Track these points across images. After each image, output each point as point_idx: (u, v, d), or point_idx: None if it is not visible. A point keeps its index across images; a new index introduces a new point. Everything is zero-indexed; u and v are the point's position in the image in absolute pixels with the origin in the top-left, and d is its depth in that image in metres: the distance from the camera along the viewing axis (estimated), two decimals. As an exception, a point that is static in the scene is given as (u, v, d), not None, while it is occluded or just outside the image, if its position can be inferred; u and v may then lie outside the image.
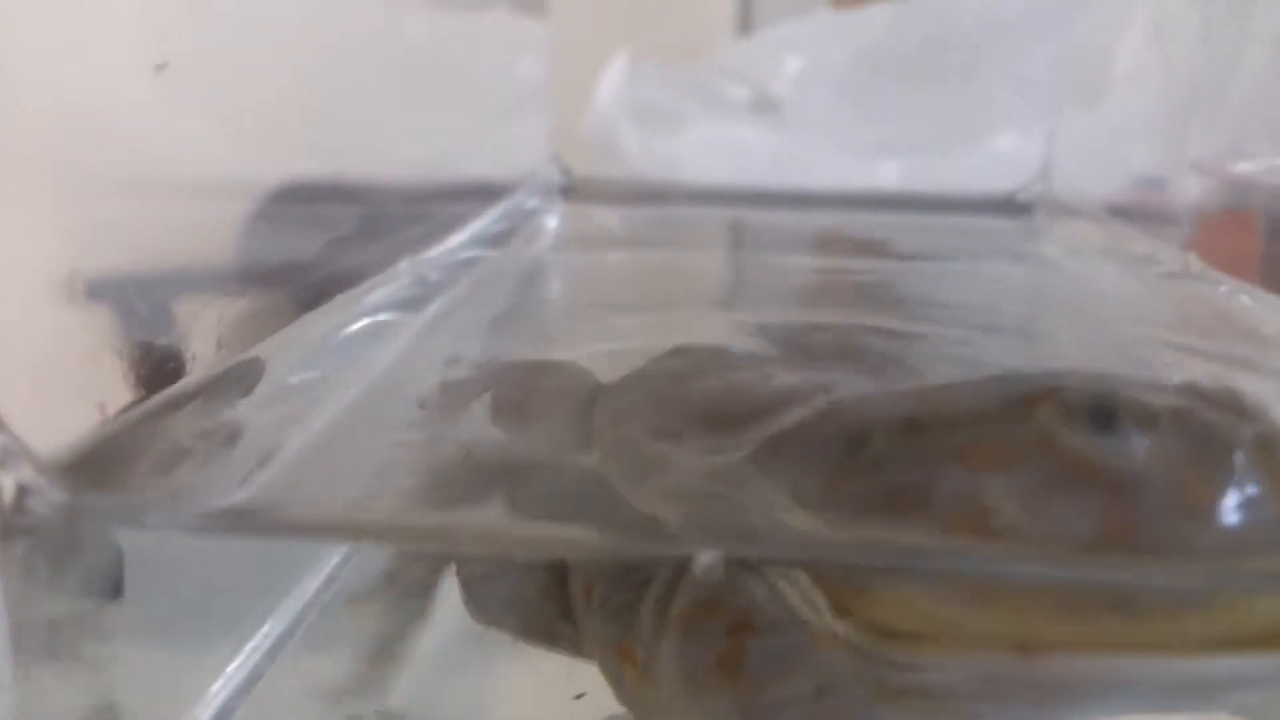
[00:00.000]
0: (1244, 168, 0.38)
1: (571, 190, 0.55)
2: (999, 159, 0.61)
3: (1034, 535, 0.15)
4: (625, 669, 0.20)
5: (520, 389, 0.26)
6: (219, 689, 0.23)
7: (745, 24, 0.83)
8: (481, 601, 0.23)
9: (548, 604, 0.22)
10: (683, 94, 0.68)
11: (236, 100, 0.30)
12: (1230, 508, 0.15)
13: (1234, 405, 0.16)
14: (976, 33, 0.69)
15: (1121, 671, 0.15)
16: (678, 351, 0.26)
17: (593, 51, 0.63)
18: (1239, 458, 0.15)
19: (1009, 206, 0.54)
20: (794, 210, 0.57)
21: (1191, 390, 0.17)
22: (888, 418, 0.18)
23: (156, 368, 0.23)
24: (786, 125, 0.70)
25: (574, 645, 0.21)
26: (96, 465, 0.18)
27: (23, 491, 0.16)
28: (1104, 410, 0.16)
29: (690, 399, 0.22)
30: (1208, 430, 0.16)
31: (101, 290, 0.23)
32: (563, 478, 0.23)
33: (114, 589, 0.18)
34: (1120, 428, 0.16)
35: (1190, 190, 0.40)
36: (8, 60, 0.19)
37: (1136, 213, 0.45)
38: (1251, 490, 0.15)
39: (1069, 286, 0.41)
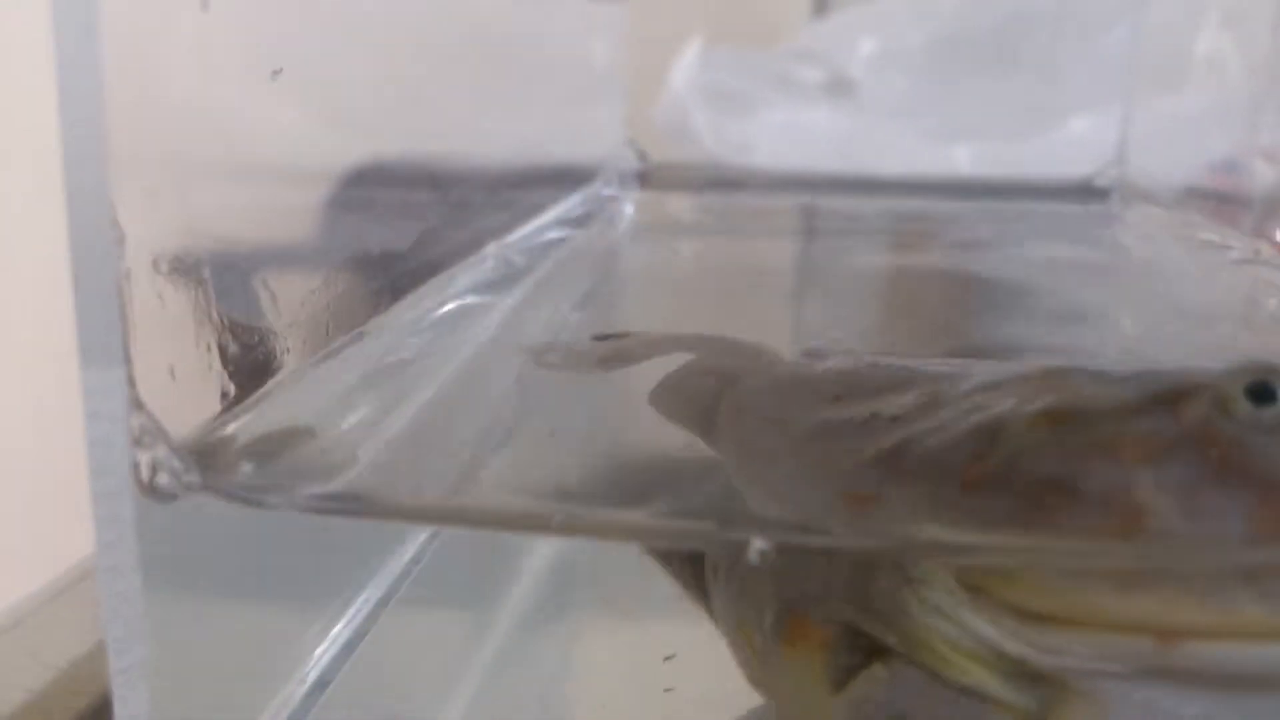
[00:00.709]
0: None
1: (648, 176, 0.56)
2: (1073, 144, 0.61)
3: (1188, 532, 0.15)
4: (748, 652, 0.21)
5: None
6: (324, 650, 0.25)
7: (821, 8, 0.84)
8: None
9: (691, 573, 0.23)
10: (756, 78, 0.69)
11: (330, 88, 0.31)
12: None
13: None
14: (1052, 15, 0.69)
15: (1264, 661, 0.15)
16: (808, 353, 0.26)
17: (668, 37, 0.64)
18: None
19: (1084, 192, 0.54)
20: (868, 196, 0.57)
21: None
22: (1023, 409, 0.17)
23: (248, 351, 0.25)
24: (860, 108, 0.70)
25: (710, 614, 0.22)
26: (221, 447, 0.20)
27: (155, 469, 0.18)
28: (1263, 391, 0.15)
29: (817, 391, 0.22)
30: None
31: (201, 269, 0.25)
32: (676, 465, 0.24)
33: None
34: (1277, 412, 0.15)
35: (1263, 178, 0.40)
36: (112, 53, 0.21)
37: (1209, 200, 0.44)
38: None
39: (1143, 274, 0.41)
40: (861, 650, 0.18)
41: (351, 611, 0.26)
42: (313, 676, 0.24)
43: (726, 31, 0.68)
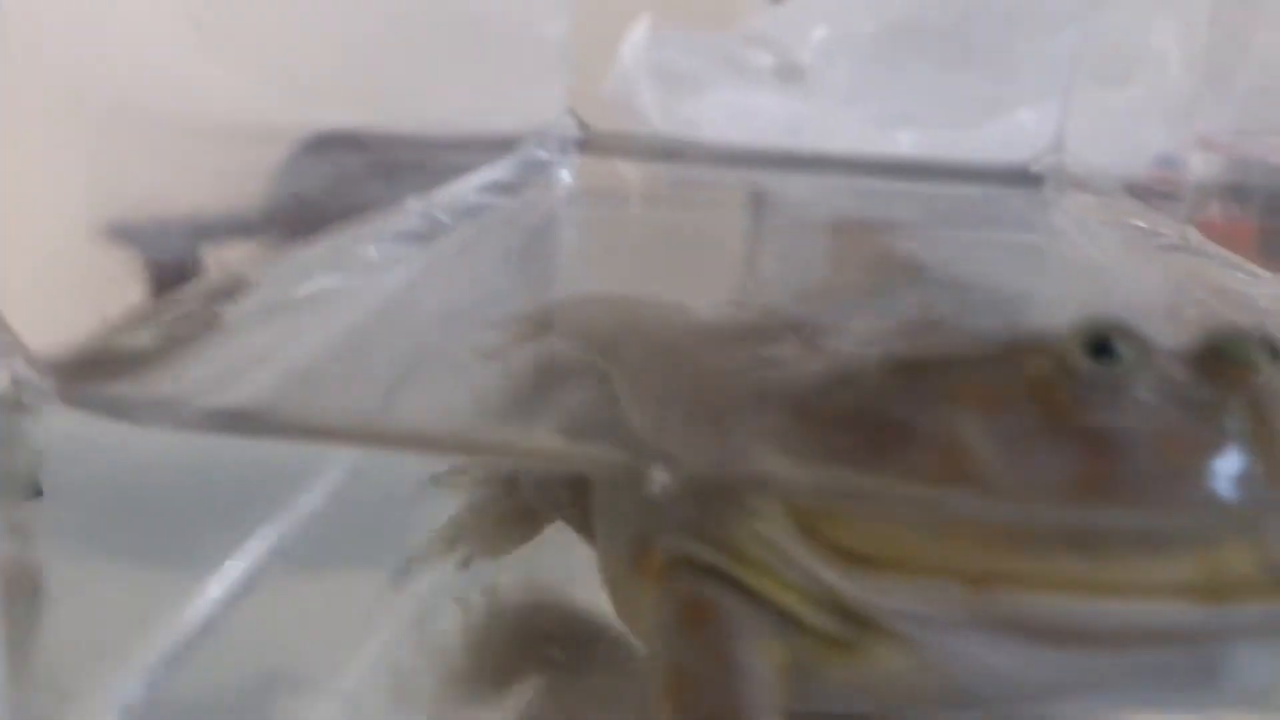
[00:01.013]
0: (1249, 146, 0.39)
1: (588, 145, 0.56)
2: (1014, 133, 0.61)
3: (1009, 480, 0.16)
4: (611, 579, 0.21)
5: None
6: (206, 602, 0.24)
7: (779, -8, 0.84)
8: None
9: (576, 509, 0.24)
10: (705, 59, 0.69)
11: (267, 51, 0.31)
12: (1212, 468, 0.15)
13: (1270, 349, 0.16)
14: (1005, 8, 0.70)
15: (1077, 613, 0.16)
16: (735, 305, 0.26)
17: (616, 11, 0.64)
18: (1227, 420, 0.15)
19: (1021, 178, 0.55)
20: (810, 174, 0.57)
21: (1219, 335, 0.16)
22: (880, 358, 0.18)
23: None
24: (808, 93, 0.70)
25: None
26: (95, 364, 0.19)
27: (18, 384, 0.17)
28: (1103, 347, 0.16)
29: (714, 335, 0.23)
30: (1197, 388, 0.16)
31: (127, 234, 0.25)
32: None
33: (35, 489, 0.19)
34: (1121, 368, 0.16)
35: (1195, 167, 0.40)
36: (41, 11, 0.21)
37: (1142, 188, 0.45)
38: (1235, 451, 0.15)
39: (1066, 256, 0.42)
40: (704, 582, 0.18)
41: (237, 565, 0.25)
42: (193, 627, 0.23)
43: (678, 11, 0.68)
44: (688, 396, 0.20)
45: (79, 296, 0.23)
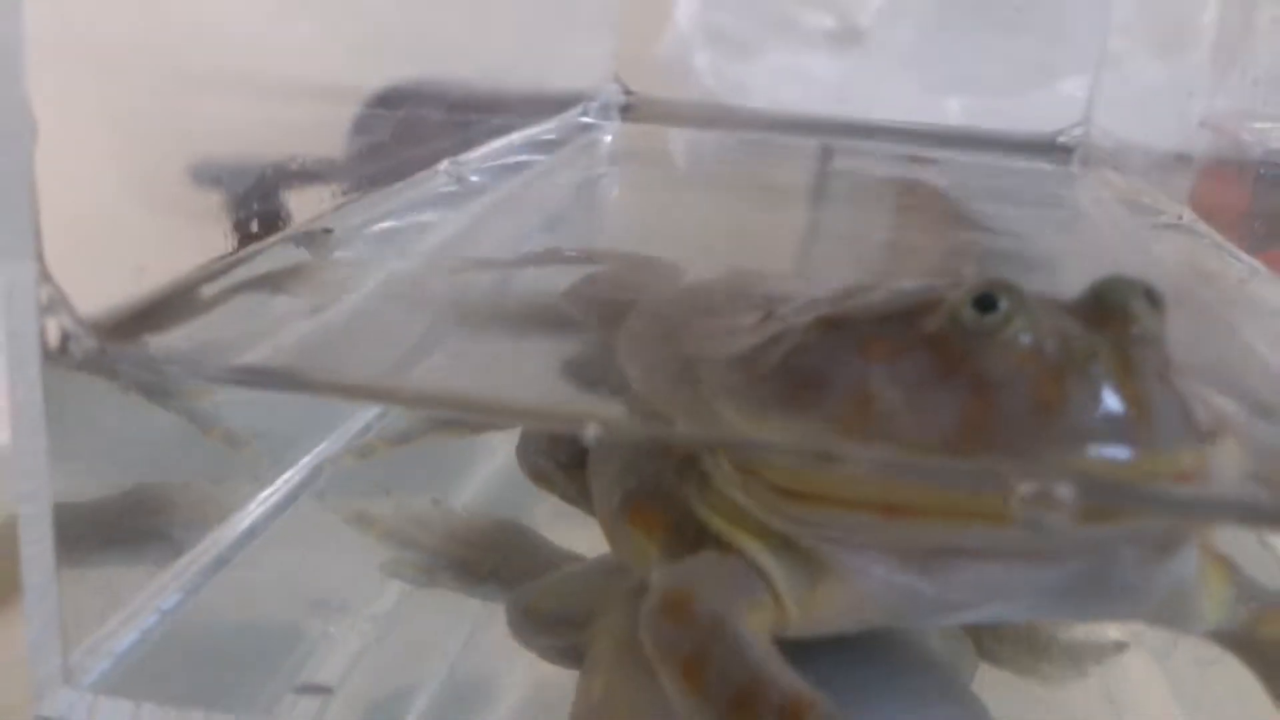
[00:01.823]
0: (1251, 127, 0.40)
1: (631, 109, 0.58)
2: (1056, 102, 0.62)
3: (903, 419, 0.18)
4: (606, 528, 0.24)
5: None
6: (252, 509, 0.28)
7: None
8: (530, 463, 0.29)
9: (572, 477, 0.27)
10: (759, 22, 0.70)
11: (339, 11, 0.34)
12: (1075, 403, 0.17)
13: (1144, 296, 0.18)
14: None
15: (964, 533, 0.18)
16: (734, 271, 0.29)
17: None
18: (1092, 365, 0.17)
19: (1050, 149, 0.56)
20: (851, 140, 0.59)
21: (1102, 285, 0.18)
22: (807, 320, 0.20)
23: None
24: (863, 56, 0.72)
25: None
26: (143, 319, 0.22)
27: (65, 337, 0.20)
28: (986, 301, 0.18)
29: (697, 305, 0.26)
30: (1076, 337, 0.18)
31: (210, 175, 0.28)
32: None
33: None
34: (1004, 321, 0.18)
35: (1198, 147, 0.42)
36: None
37: (1152, 163, 0.46)
38: (1096, 387, 0.17)
39: (1067, 228, 0.43)
40: (683, 530, 0.21)
41: (277, 491, 0.29)
42: (212, 553, 0.26)
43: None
44: (664, 360, 0.23)
45: (161, 236, 0.27)
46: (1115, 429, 0.17)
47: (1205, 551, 0.21)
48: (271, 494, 0.29)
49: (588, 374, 0.25)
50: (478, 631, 0.26)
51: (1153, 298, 0.18)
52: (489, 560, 0.27)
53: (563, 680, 0.23)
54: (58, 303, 0.19)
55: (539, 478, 0.29)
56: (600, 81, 0.57)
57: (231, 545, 0.27)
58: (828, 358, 0.19)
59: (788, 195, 0.52)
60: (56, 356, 0.20)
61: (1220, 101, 0.41)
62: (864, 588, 0.19)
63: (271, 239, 0.28)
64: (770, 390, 0.20)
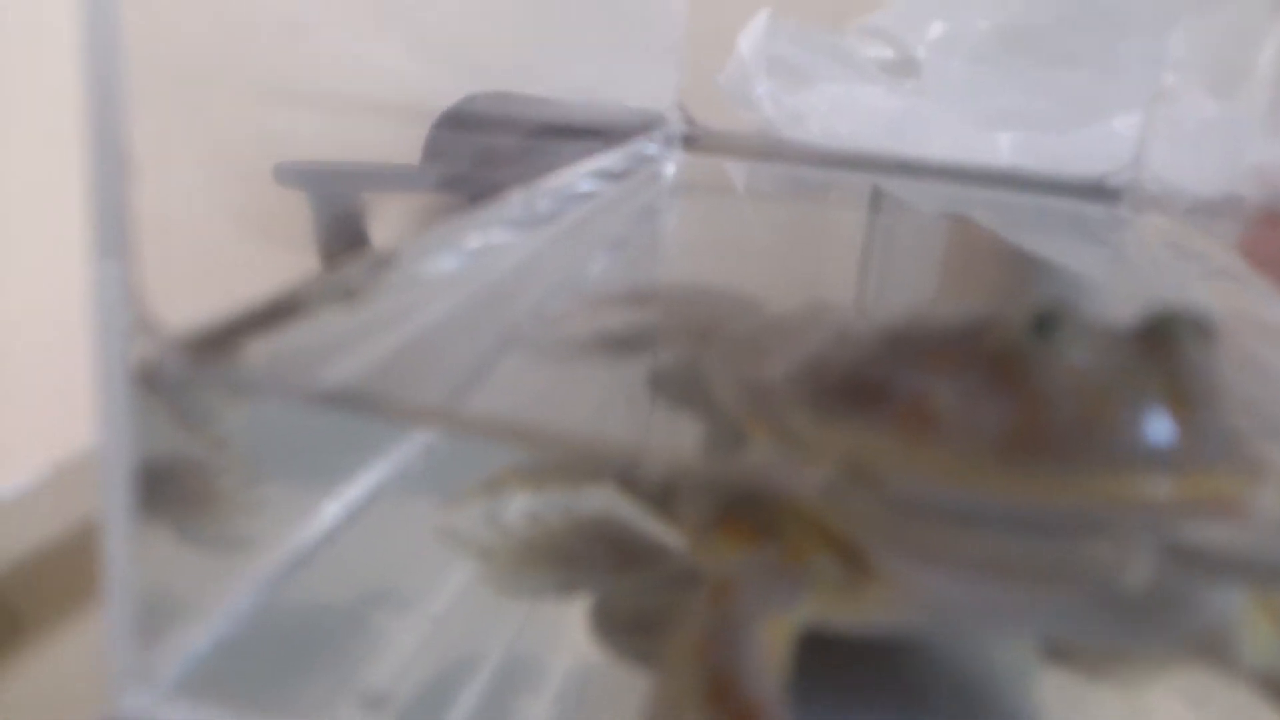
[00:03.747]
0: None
1: (692, 140, 0.60)
2: (1107, 140, 0.63)
3: (963, 429, 0.19)
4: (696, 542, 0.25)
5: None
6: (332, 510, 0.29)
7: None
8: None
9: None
10: (819, 54, 0.72)
11: (420, 29, 0.35)
12: (1123, 426, 0.18)
13: (1198, 328, 0.19)
14: (1115, 12, 0.71)
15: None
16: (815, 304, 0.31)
17: (728, 8, 0.67)
18: (1140, 387, 0.19)
19: (1100, 192, 0.57)
20: (902, 178, 0.60)
21: (1156, 315, 0.20)
22: (875, 334, 0.22)
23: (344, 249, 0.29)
24: (918, 89, 0.73)
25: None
26: (224, 339, 0.23)
27: (149, 359, 0.21)
28: (1047, 323, 0.19)
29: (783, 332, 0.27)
30: (1128, 364, 0.19)
31: (294, 177, 0.29)
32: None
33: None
34: (1059, 343, 0.19)
35: (1249, 193, 0.43)
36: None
37: (1202, 209, 0.47)
38: (1148, 414, 0.18)
39: (1110, 273, 0.44)
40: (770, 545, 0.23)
41: (345, 496, 0.30)
42: (288, 556, 0.27)
43: (794, 8, 0.71)
44: (746, 376, 0.25)
45: (252, 237, 0.28)
46: (1160, 450, 0.19)
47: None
48: (351, 494, 0.30)
49: (676, 389, 0.27)
50: (529, 624, 0.27)
51: (1204, 329, 0.20)
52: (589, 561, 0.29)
53: (615, 672, 0.24)
54: (144, 325, 0.21)
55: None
56: (664, 110, 0.58)
57: (308, 547, 0.28)
58: (894, 368, 0.21)
59: (841, 229, 0.53)
60: (142, 371, 0.21)
61: (1275, 146, 0.42)
62: (903, 587, 0.21)
63: (347, 261, 0.30)
64: (839, 397, 0.22)
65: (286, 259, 0.31)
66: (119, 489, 0.21)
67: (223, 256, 0.27)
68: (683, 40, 0.59)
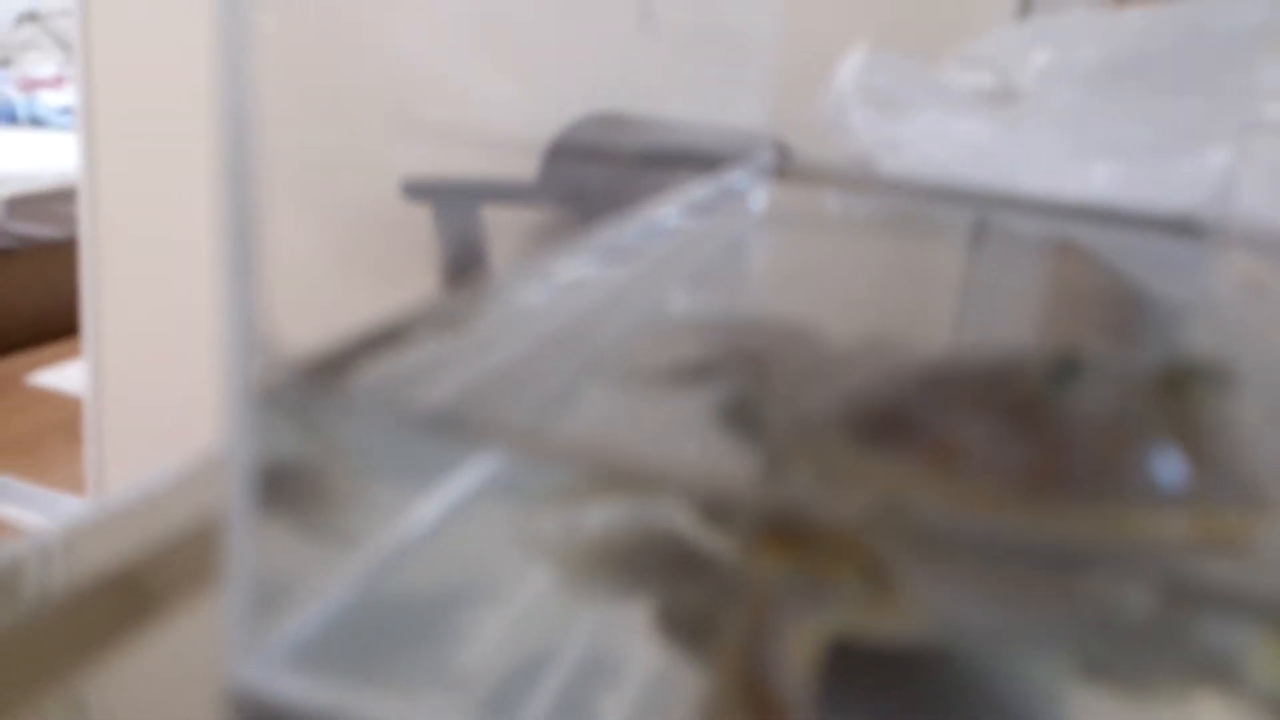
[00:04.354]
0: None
1: (785, 171, 0.62)
2: (1203, 170, 0.63)
3: (986, 466, 0.21)
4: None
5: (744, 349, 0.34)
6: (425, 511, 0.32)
7: (1025, 10, 0.87)
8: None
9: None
10: (916, 85, 0.73)
11: (533, 59, 0.38)
12: (1143, 467, 0.20)
13: (1216, 379, 0.21)
14: (1226, 40, 0.70)
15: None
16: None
17: (821, 37, 0.69)
18: (1154, 431, 0.20)
19: (1186, 228, 0.57)
20: (995, 211, 0.61)
21: (1176, 365, 0.21)
22: (913, 372, 0.25)
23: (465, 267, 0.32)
24: (1017, 118, 0.74)
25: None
26: (339, 361, 0.26)
27: (271, 379, 0.24)
28: (1067, 371, 0.21)
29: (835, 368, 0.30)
30: (1144, 411, 0.21)
31: (421, 190, 0.32)
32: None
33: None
34: (1078, 390, 0.21)
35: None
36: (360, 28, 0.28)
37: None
38: (1165, 459, 0.20)
39: (1192, 317, 0.45)
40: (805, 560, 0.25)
41: (440, 499, 0.31)
42: (394, 547, 0.29)
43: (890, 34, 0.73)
44: (799, 414, 0.28)
45: (379, 256, 0.31)
46: (1169, 489, 0.20)
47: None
48: (446, 498, 0.31)
49: (736, 419, 0.30)
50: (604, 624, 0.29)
51: (1222, 379, 0.21)
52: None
53: (679, 670, 0.26)
54: (260, 348, 0.23)
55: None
56: (757, 138, 0.60)
57: (406, 544, 0.30)
58: (927, 408, 0.23)
59: (935, 266, 0.54)
60: (263, 391, 0.23)
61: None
62: (922, 603, 0.23)
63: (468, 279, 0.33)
64: (875, 433, 0.23)
65: (412, 275, 0.34)
66: (240, 490, 0.24)
67: (349, 276, 0.31)
68: (775, 68, 0.61)
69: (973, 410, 0.22)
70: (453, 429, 0.26)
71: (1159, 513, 0.20)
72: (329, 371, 0.26)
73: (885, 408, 0.24)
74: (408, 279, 0.35)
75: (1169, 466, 0.21)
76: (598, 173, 0.48)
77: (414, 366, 0.29)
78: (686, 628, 0.28)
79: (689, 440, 0.29)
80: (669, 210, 0.48)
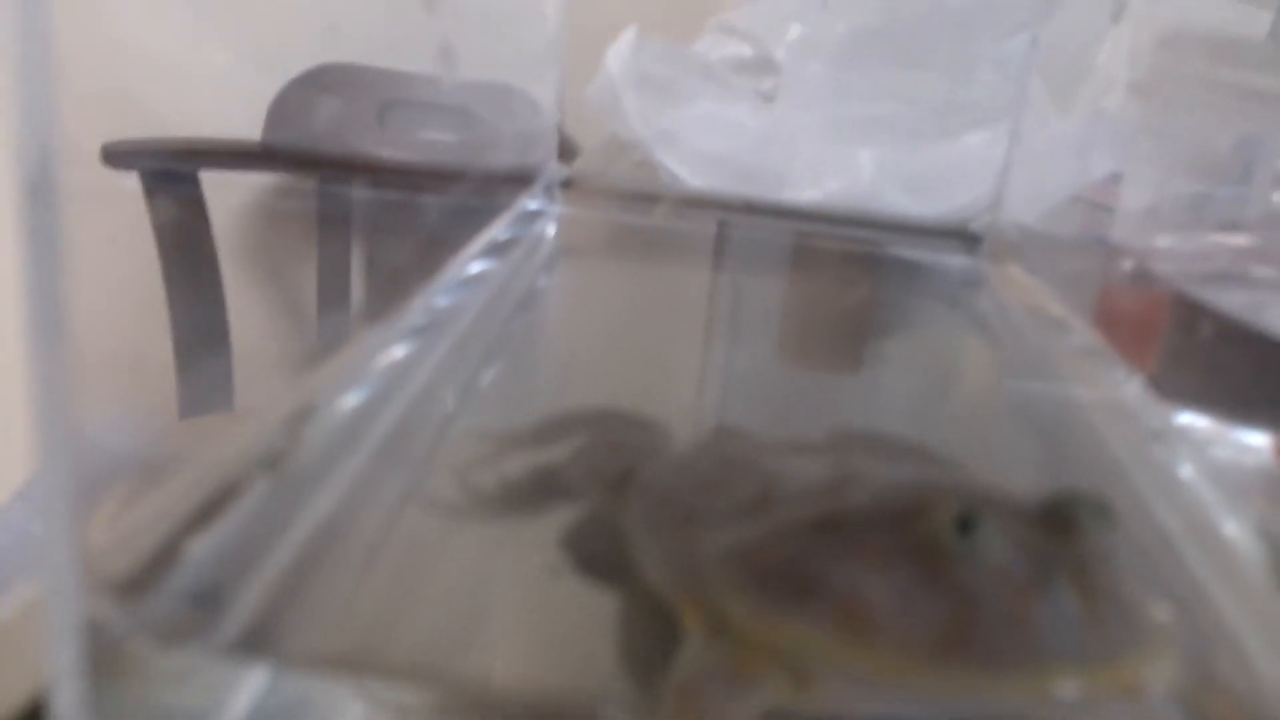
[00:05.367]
0: (1163, 242, 0.44)
1: (569, 185, 0.60)
2: (967, 157, 0.66)
3: (900, 628, 0.21)
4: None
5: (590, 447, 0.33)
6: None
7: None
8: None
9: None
10: (684, 70, 0.72)
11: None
12: (1043, 621, 0.20)
13: (1098, 511, 0.22)
14: (969, 13, 0.73)
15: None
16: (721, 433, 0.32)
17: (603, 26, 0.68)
18: (1054, 581, 0.21)
19: (960, 236, 0.59)
20: (772, 219, 0.62)
21: (1059, 499, 0.22)
22: (809, 517, 0.24)
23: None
24: (778, 96, 0.74)
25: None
26: (161, 563, 0.24)
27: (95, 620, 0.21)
28: (968, 523, 0.21)
29: (694, 479, 0.29)
30: (1038, 553, 0.21)
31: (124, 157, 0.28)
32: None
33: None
34: (979, 542, 0.21)
35: (1109, 258, 0.45)
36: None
37: (1061, 249, 0.50)
38: (1062, 606, 0.21)
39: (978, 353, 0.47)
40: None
41: None
42: None
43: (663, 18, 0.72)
44: (671, 549, 0.26)
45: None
46: (1069, 645, 0.21)
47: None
48: None
49: (587, 552, 0.28)
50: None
51: (1101, 511, 0.22)
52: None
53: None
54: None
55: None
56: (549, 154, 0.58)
57: None
58: (823, 561, 0.22)
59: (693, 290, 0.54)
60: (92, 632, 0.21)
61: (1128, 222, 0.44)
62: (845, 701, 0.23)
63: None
64: (771, 590, 0.23)
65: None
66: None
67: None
68: (563, 54, 0.59)
69: (876, 565, 0.22)
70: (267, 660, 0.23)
71: (1062, 673, 0.21)
72: (153, 584, 0.23)
73: (783, 558, 0.23)
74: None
75: (1066, 621, 0.21)
76: (329, 128, 0.44)
77: (235, 539, 0.26)
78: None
79: (536, 593, 0.27)
80: (472, 258, 0.45)
